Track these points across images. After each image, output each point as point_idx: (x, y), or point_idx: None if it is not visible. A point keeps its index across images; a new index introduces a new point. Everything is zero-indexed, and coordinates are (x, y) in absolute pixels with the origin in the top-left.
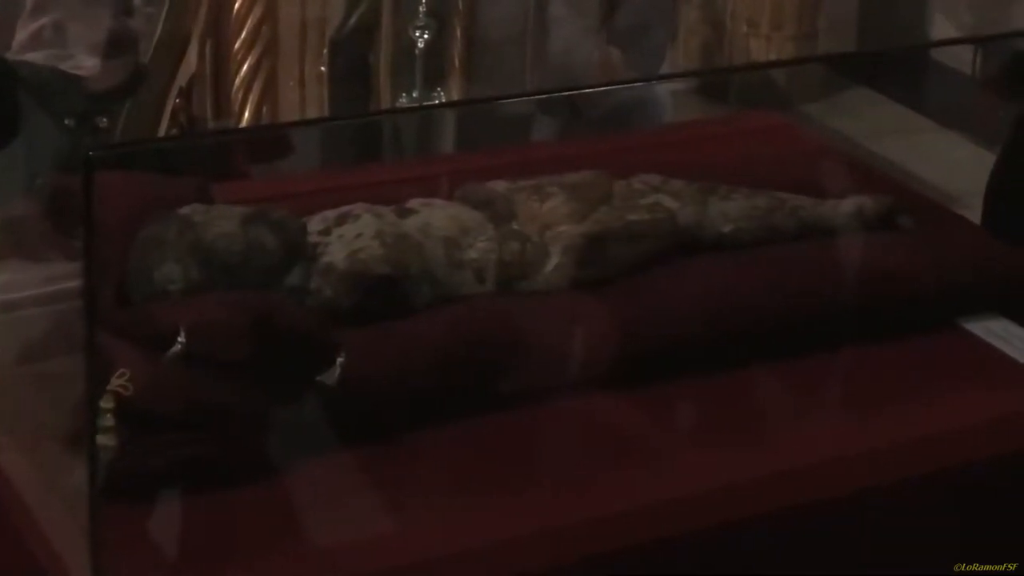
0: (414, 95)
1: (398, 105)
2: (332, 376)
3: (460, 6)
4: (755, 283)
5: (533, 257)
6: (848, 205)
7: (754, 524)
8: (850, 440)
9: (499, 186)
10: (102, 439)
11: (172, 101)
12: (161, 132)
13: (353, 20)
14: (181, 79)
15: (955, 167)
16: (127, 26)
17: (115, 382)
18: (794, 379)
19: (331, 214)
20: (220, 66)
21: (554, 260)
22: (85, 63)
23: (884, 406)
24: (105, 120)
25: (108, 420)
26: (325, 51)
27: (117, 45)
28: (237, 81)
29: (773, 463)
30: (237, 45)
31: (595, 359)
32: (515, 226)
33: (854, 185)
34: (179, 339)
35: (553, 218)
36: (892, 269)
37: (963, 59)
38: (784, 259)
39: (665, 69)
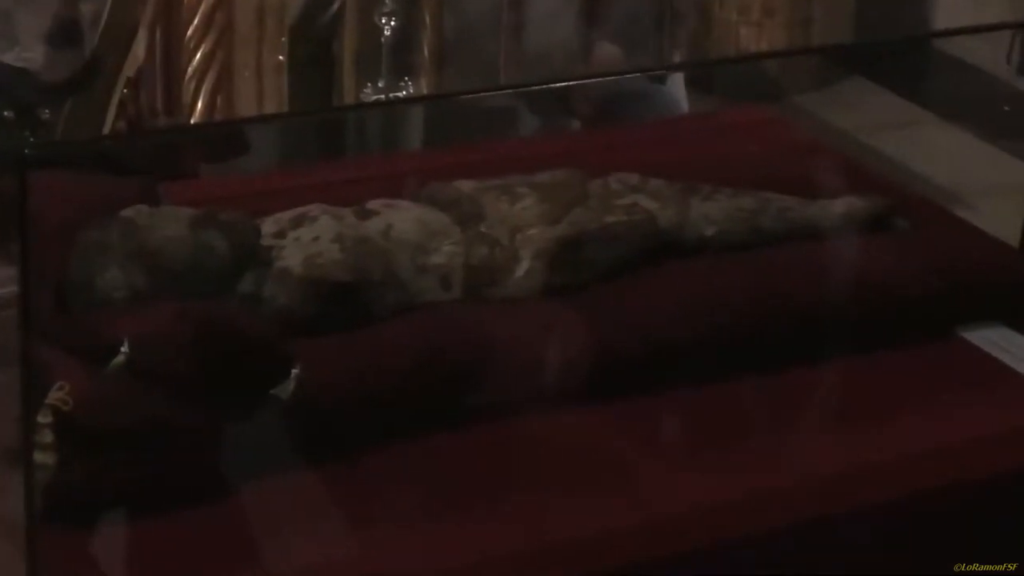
0: (380, 85)
1: (362, 96)
2: (286, 389)
3: None
4: (740, 289)
5: (502, 262)
6: (839, 206)
7: (751, 535)
8: (843, 454)
9: (466, 186)
10: (40, 456)
11: (119, 93)
12: (107, 126)
13: (317, 9)
14: (129, 69)
15: (956, 163)
16: (76, 14)
17: (54, 395)
18: (782, 391)
19: (286, 216)
20: (171, 55)
21: (525, 265)
22: (32, 55)
23: (879, 419)
24: (48, 112)
25: (46, 436)
26: (284, 39)
27: (66, 35)
28: (189, 71)
29: (766, 476)
30: (189, 32)
31: (568, 370)
32: (483, 229)
33: (846, 184)
34: (122, 350)
35: (524, 220)
36: (885, 275)
37: (966, 48)
38: (771, 264)
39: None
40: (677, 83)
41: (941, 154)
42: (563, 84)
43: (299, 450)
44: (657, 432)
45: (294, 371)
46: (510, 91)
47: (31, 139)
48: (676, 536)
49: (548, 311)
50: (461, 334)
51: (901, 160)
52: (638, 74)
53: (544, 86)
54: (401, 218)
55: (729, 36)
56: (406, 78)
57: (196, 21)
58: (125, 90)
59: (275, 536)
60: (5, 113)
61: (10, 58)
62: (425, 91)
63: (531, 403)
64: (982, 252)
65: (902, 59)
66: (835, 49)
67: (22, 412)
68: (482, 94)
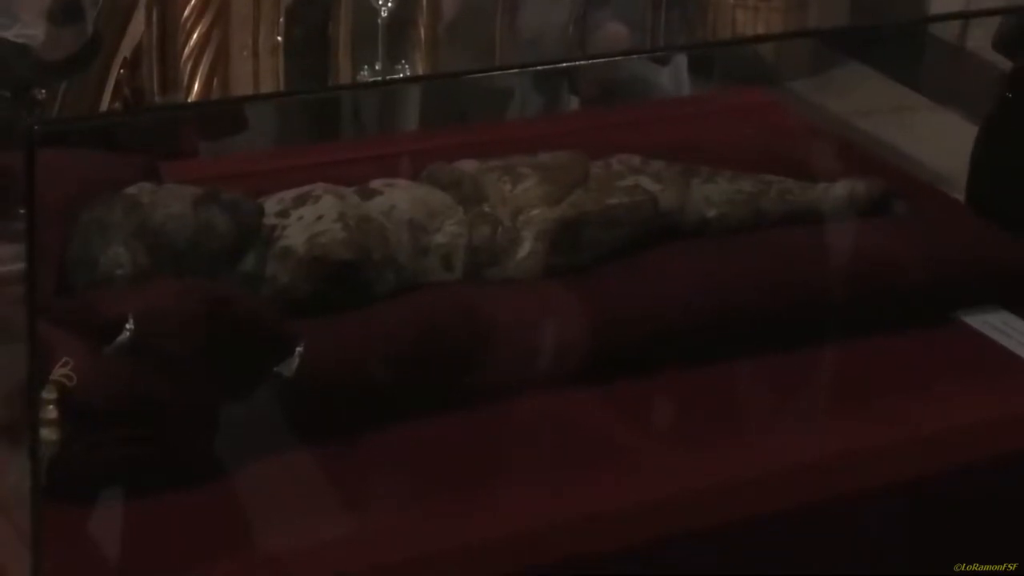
0: (377, 68)
1: (359, 79)
2: (290, 367)
3: None
4: (741, 272)
5: (504, 242)
6: (839, 189)
7: (747, 525)
8: (842, 438)
9: (468, 166)
10: (44, 432)
11: (116, 72)
12: (104, 106)
13: None
14: (125, 49)
15: (952, 148)
16: None
17: (58, 372)
18: (783, 374)
19: (289, 195)
20: (168, 35)
21: (527, 246)
22: (32, 31)
23: (879, 402)
24: (43, 92)
25: (50, 412)
26: (281, 20)
27: (67, 11)
28: (186, 51)
29: (762, 462)
30: (186, 12)
31: (569, 352)
32: (486, 209)
33: (845, 167)
34: (127, 327)
35: (526, 201)
36: (885, 258)
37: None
38: (771, 246)
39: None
40: (680, 67)
41: (936, 138)
42: (562, 65)
43: (302, 429)
44: (656, 414)
45: (298, 349)
46: (508, 72)
47: (26, 117)
48: (674, 519)
49: (549, 292)
50: (462, 314)
51: (895, 143)
52: (636, 56)
53: (543, 67)
54: (404, 198)
55: (725, 20)
56: (403, 60)
57: (193, 1)
58: (122, 70)
59: (278, 514)
60: (1, 92)
61: (11, 35)
62: (422, 73)
63: (531, 382)
64: (982, 236)
65: (897, 44)
66: (830, 33)
67: (27, 388)
68: (480, 74)
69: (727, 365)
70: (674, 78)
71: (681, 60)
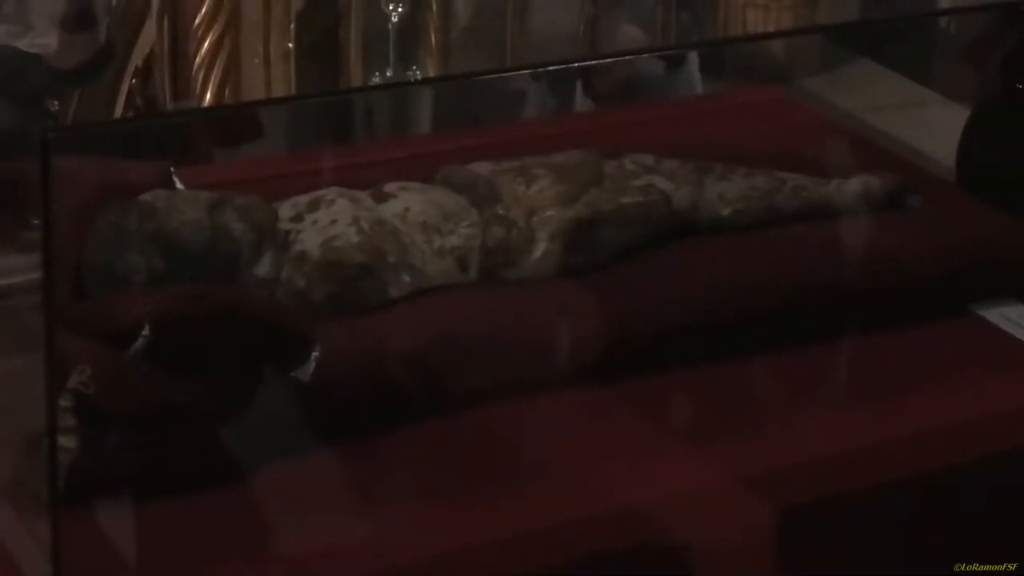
0: (388, 74)
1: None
2: (306, 371)
3: None
4: (756, 269)
5: (519, 243)
6: (853, 185)
7: (750, 522)
8: (857, 434)
9: (482, 168)
10: (61, 440)
11: (128, 81)
12: (116, 115)
13: None
14: (137, 58)
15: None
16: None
17: (75, 379)
18: (796, 370)
19: (303, 199)
20: (179, 43)
21: (541, 246)
22: (45, 40)
23: (892, 397)
24: (56, 103)
25: (68, 420)
26: (292, 26)
27: (80, 19)
28: (197, 59)
29: (773, 459)
30: (197, 20)
31: (585, 351)
32: (500, 210)
33: (859, 163)
34: (143, 333)
35: (540, 201)
36: (901, 252)
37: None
38: (786, 243)
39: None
40: (692, 67)
41: (949, 133)
42: (573, 65)
43: (318, 431)
44: (672, 411)
45: (314, 354)
46: (519, 73)
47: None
48: (690, 514)
49: (564, 292)
50: (478, 315)
51: (907, 139)
52: (647, 56)
53: (554, 67)
54: (418, 200)
55: (736, 18)
56: (414, 67)
57: (204, 9)
58: (134, 80)
59: (296, 517)
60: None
61: (24, 44)
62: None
63: (548, 382)
64: (998, 230)
65: (908, 40)
66: (838, 28)
67: (46, 395)
68: (492, 76)
69: (742, 362)
70: (687, 77)
71: (693, 59)
